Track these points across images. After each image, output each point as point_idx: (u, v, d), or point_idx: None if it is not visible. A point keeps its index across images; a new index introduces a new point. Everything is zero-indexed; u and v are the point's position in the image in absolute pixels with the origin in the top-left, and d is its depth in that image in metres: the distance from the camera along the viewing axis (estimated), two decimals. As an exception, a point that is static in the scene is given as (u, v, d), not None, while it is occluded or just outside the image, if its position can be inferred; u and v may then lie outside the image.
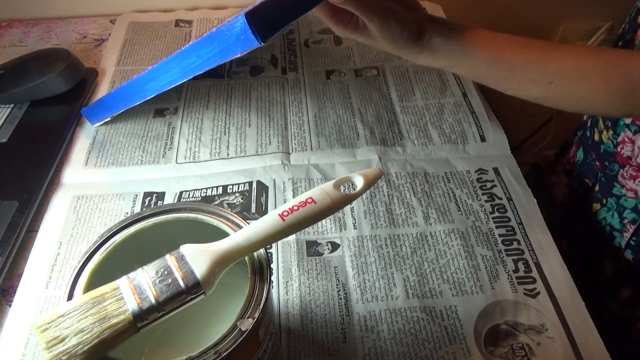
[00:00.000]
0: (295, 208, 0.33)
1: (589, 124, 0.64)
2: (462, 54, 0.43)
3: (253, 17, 0.34)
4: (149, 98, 0.54)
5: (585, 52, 0.43)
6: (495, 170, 0.59)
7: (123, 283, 0.29)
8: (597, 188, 0.60)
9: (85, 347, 0.27)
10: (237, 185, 0.57)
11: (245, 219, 0.37)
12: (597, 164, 0.59)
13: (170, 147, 0.62)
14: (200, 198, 0.56)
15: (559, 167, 0.71)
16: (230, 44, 0.37)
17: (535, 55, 0.43)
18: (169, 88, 0.49)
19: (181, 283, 0.29)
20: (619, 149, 0.55)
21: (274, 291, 0.48)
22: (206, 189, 0.57)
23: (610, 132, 0.56)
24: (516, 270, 0.50)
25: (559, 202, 0.69)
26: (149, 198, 0.56)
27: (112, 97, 0.61)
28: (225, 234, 0.34)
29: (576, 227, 0.65)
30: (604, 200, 0.59)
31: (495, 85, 0.45)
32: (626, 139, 0.53)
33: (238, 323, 0.30)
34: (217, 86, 0.70)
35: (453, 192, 0.57)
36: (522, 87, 0.44)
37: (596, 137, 0.60)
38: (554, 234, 0.53)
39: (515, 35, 0.43)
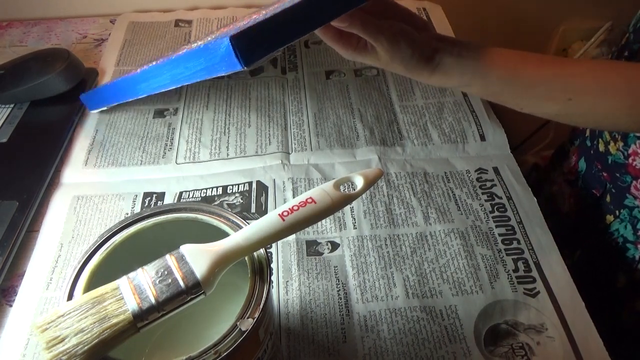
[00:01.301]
0: (295, 208, 0.33)
1: (587, 133, 0.62)
2: (476, 72, 0.42)
3: (238, 41, 0.32)
4: (141, 97, 0.54)
5: (603, 66, 0.42)
6: (495, 169, 0.59)
7: (123, 283, 0.29)
8: (607, 199, 0.59)
9: (85, 347, 0.27)
10: (237, 186, 0.57)
11: (245, 219, 0.37)
12: (605, 174, 0.58)
13: (170, 148, 0.62)
14: (200, 198, 0.56)
15: (558, 176, 0.70)
16: (216, 62, 0.35)
17: (552, 71, 0.41)
18: (159, 92, 0.49)
19: (181, 283, 0.29)
20: (630, 160, 0.53)
21: (274, 291, 0.48)
22: (206, 189, 0.57)
23: (620, 143, 0.55)
24: (516, 270, 0.50)
25: (564, 214, 0.67)
26: (149, 198, 0.56)
27: (108, 88, 0.61)
28: (225, 234, 0.34)
29: (585, 238, 0.63)
30: (617, 212, 0.57)
31: (511, 103, 0.44)
32: (639, 151, 0.52)
33: (238, 323, 0.30)
34: (216, 86, 0.70)
35: (453, 191, 0.57)
36: (540, 105, 0.43)
37: (601, 148, 0.58)
38: (560, 244, 0.52)
39: (529, 52, 0.42)
